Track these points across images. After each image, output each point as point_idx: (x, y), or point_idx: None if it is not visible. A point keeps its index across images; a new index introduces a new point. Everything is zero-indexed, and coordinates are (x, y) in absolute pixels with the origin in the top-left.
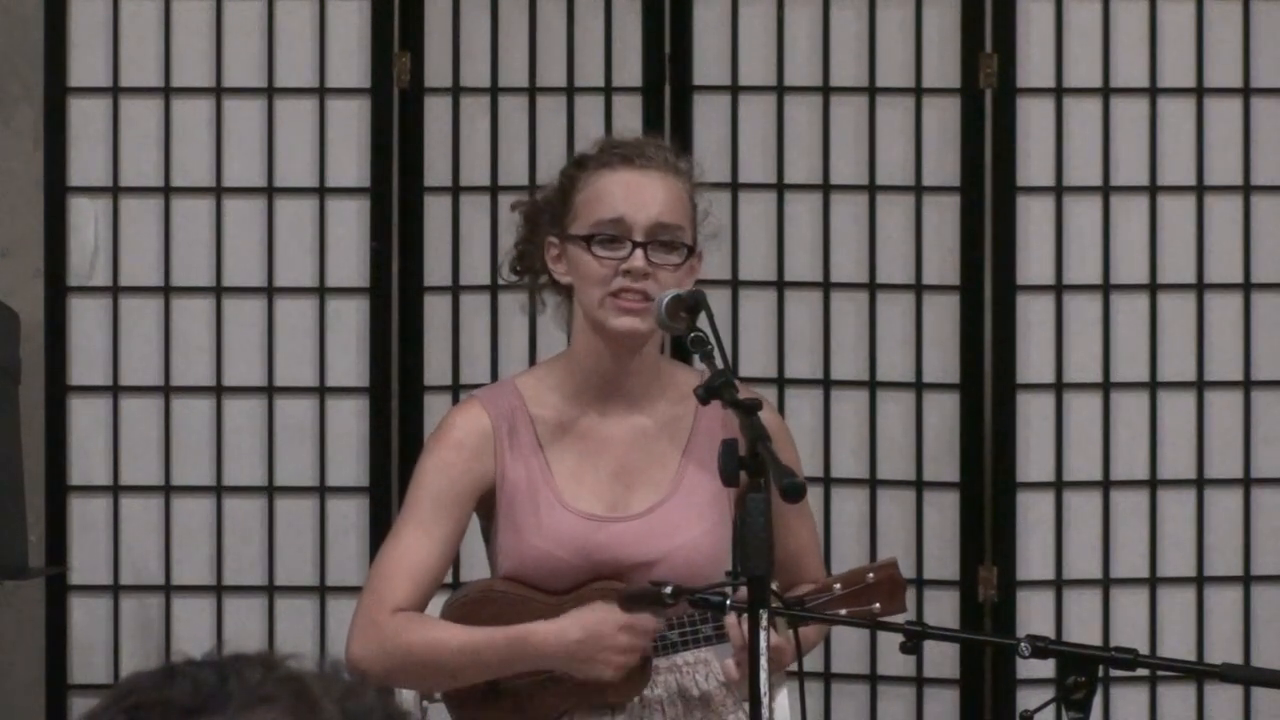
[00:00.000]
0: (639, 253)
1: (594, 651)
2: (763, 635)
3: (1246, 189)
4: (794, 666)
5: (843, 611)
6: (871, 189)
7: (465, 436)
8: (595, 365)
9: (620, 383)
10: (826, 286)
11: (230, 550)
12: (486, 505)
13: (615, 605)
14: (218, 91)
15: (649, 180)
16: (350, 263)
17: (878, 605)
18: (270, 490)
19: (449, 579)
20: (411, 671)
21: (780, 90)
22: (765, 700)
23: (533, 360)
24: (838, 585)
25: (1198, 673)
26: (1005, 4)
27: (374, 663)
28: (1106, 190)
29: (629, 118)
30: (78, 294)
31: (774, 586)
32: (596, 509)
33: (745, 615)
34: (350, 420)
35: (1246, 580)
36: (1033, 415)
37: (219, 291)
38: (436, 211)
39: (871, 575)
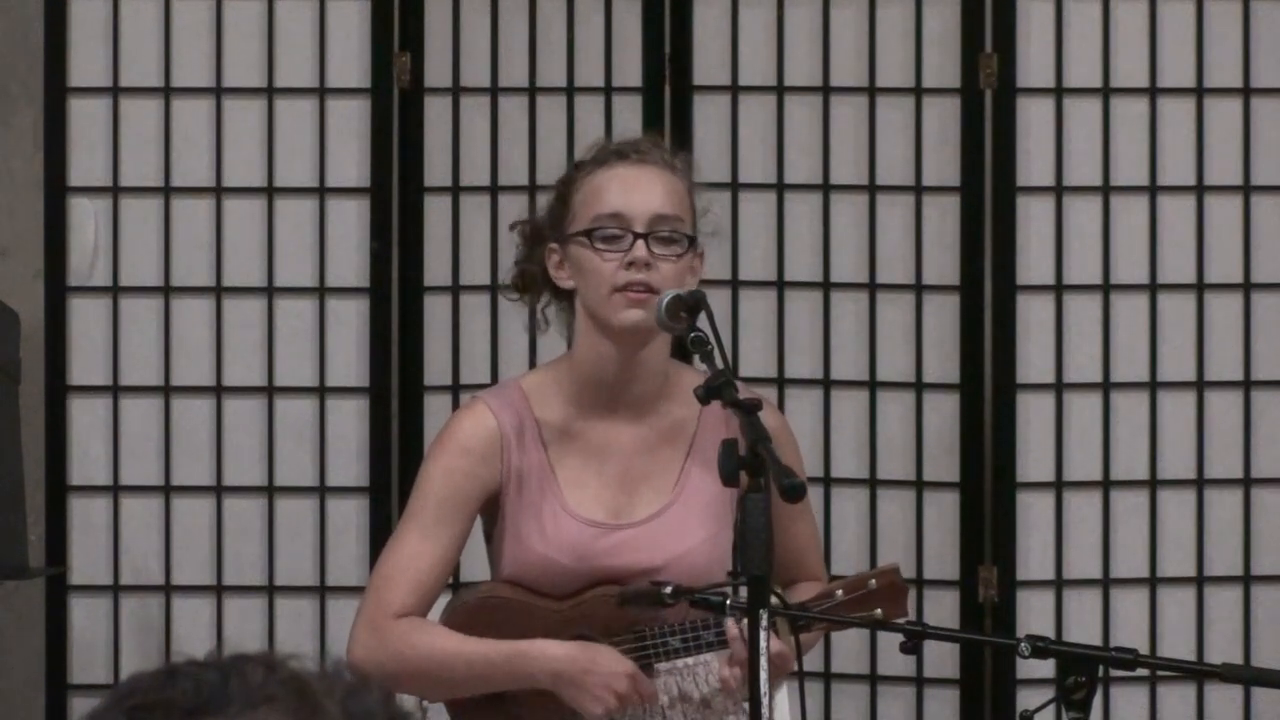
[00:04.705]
0: (640, 244)
1: (592, 681)
2: (763, 635)
3: (1246, 189)
4: (793, 667)
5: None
6: (871, 189)
7: (472, 440)
8: (599, 370)
9: (625, 387)
10: (826, 286)
11: (230, 550)
12: (491, 507)
13: (627, 658)
14: (218, 91)
15: (645, 174)
16: (350, 263)
17: (880, 611)
18: (270, 490)
19: (450, 580)
20: (412, 679)
21: (780, 90)
22: (765, 701)
23: (533, 361)
24: (840, 591)
25: (1198, 673)
26: (1005, 4)
27: (375, 668)
28: (1106, 190)
29: (629, 118)
30: (78, 294)
31: (780, 592)
32: (599, 515)
33: (746, 620)
34: (350, 420)
35: (1246, 580)
36: (1033, 415)
37: (219, 291)
38: (436, 211)
39: (874, 581)
